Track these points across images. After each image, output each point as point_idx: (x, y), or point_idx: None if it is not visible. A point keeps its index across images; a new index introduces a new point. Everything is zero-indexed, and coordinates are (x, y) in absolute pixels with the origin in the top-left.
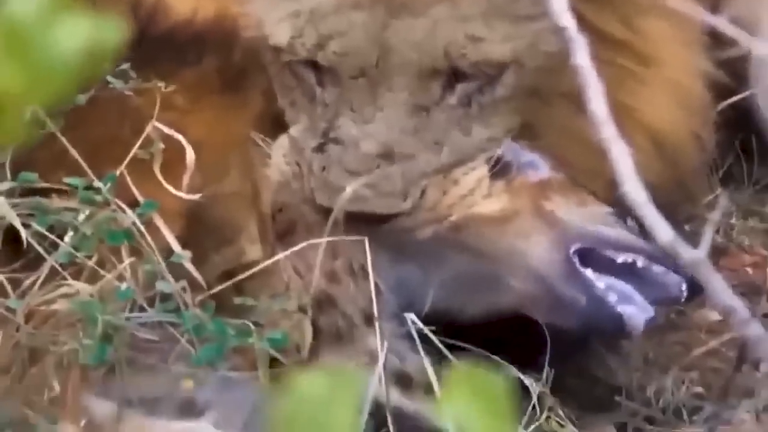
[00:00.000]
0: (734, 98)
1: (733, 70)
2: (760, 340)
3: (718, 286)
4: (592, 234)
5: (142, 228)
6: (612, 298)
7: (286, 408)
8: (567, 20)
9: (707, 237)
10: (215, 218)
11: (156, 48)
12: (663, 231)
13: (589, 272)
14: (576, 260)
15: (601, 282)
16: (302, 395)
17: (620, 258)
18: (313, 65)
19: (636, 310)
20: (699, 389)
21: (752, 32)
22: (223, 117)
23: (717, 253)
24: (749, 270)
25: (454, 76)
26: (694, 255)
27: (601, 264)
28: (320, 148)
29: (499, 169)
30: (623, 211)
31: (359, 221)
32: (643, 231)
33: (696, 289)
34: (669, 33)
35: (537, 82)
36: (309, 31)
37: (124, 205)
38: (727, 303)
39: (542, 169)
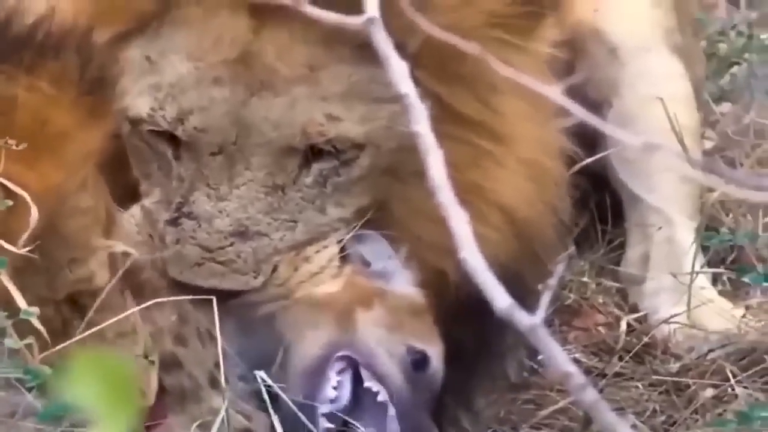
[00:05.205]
0: (584, 162)
1: (585, 135)
2: (595, 404)
3: (555, 351)
4: (364, 351)
5: None
6: (324, 409)
7: None
8: (407, 87)
9: (544, 303)
10: (70, 231)
11: (17, 45)
12: (500, 298)
13: (333, 379)
14: (337, 364)
15: (333, 392)
16: None
17: (367, 383)
18: (172, 139)
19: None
20: None
21: (610, 90)
22: (86, 118)
23: (570, 313)
24: (602, 329)
25: (311, 154)
26: (531, 321)
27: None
28: (174, 222)
29: (352, 259)
30: None
31: (210, 294)
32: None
33: None
34: (524, 110)
35: (392, 161)
36: (170, 104)
37: None
38: (563, 368)
39: (396, 283)
